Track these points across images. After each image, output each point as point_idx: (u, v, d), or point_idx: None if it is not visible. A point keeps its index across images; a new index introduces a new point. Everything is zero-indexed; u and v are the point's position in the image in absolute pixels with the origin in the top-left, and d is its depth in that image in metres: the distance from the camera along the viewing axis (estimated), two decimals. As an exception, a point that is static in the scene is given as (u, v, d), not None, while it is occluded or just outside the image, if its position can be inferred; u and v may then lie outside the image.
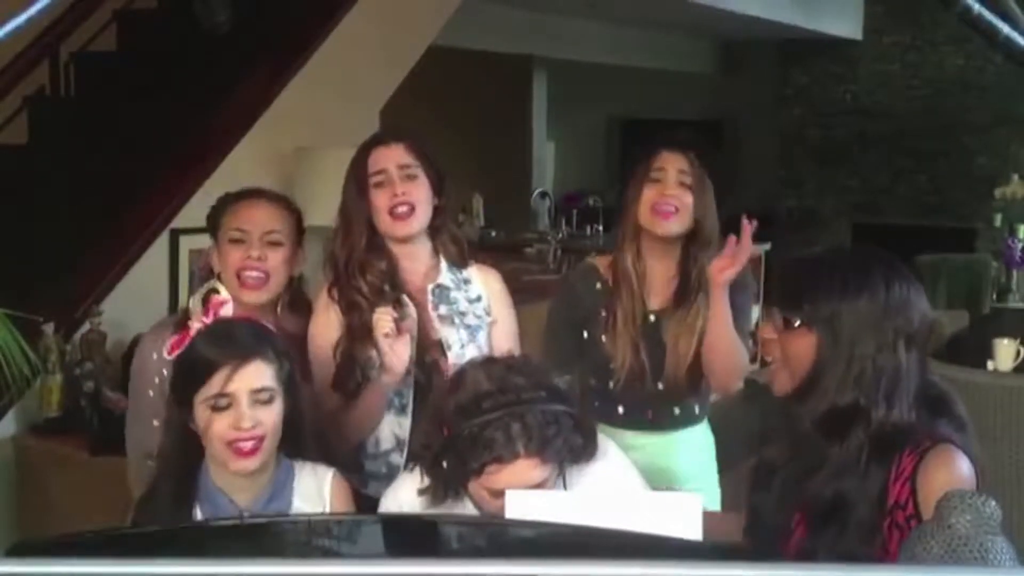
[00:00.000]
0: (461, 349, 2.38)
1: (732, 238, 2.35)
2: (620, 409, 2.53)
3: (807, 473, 1.79)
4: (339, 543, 1.55)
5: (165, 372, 2.19)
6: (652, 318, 2.52)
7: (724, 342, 2.43)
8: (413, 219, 2.37)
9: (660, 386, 2.52)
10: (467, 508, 1.89)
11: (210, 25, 4.17)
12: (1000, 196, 7.16)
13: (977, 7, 5.25)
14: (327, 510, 2.00)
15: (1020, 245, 6.31)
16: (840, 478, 1.74)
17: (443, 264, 2.45)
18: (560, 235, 7.03)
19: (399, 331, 2.24)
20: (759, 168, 9.13)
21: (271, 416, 1.93)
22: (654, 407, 2.55)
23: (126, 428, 2.44)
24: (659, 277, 2.54)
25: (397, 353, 2.24)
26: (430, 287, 2.42)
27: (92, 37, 4.68)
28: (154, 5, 4.94)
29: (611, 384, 2.52)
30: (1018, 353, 4.26)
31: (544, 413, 1.83)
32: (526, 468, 1.81)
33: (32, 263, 3.76)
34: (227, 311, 2.15)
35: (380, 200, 2.36)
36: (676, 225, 2.47)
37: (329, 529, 1.61)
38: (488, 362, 1.98)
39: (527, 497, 1.73)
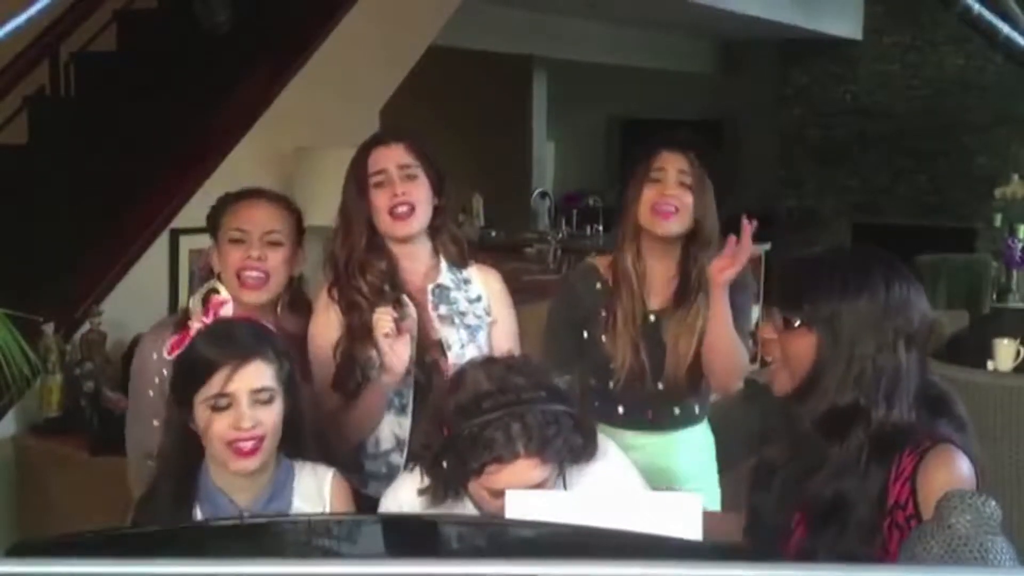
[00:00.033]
0: (461, 349, 2.38)
1: (732, 238, 2.35)
2: (620, 409, 2.54)
3: (807, 473, 1.79)
4: (339, 543, 1.55)
5: (165, 372, 2.19)
6: (652, 318, 2.52)
7: (724, 342, 2.43)
8: (413, 219, 2.37)
9: (660, 386, 2.52)
10: (467, 508, 1.89)
11: (210, 25, 4.17)
12: (1000, 196, 7.16)
13: (977, 7, 5.25)
14: (327, 510, 2.00)
15: (1020, 245, 6.31)
16: (840, 478, 1.74)
17: (443, 264, 2.45)
18: (560, 235, 7.03)
19: (399, 331, 2.24)
20: (759, 168, 9.13)
21: (271, 416, 1.93)
22: (654, 407, 2.55)
23: (126, 428, 2.44)
24: (659, 277, 2.54)
25: (397, 353, 2.24)
26: (430, 287, 2.42)
27: (92, 37, 4.68)
28: (154, 5, 4.94)
29: (611, 384, 2.52)
30: (1018, 353, 4.26)
31: (544, 413, 1.83)
32: (526, 468, 1.81)
33: (32, 263, 3.76)
34: (227, 311, 2.15)
35: (380, 200, 2.36)
36: (676, 225, 2.47)
37: (329, 529, 1.61)
38: (488, 362, 1.98)
39: (527, 497, 1.73)
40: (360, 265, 2.37)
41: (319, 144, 4.11)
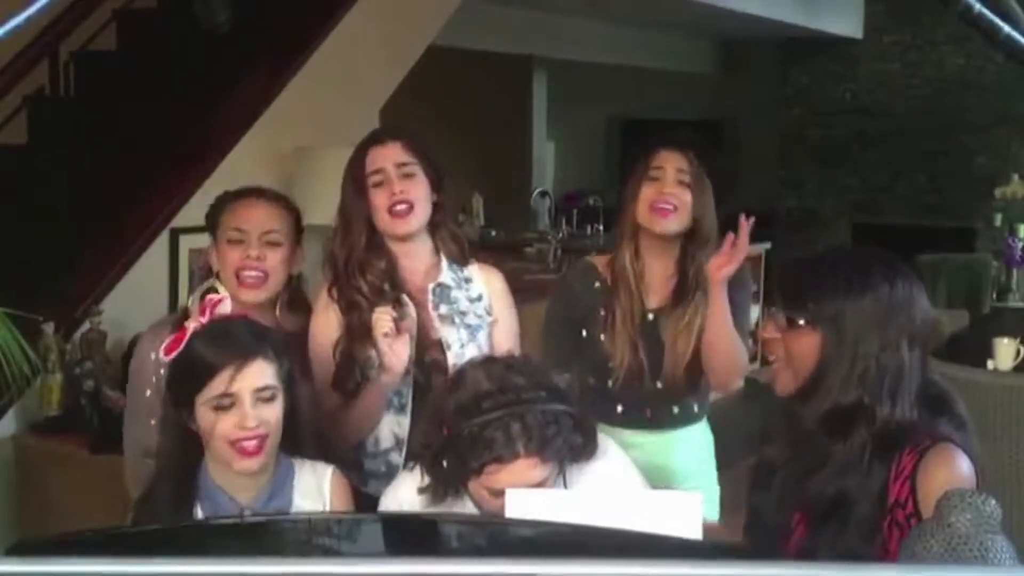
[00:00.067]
0: (461, 349, 2.38)
1: (730, 235, 2.35)
2: (619, 408, 2.53)
3: (808, 472, 1.79)
4: (339, 542, 1.55)
5: (163, 372, 2.19)
6: (650, 317, 2.52)
7: (724, 340, 2.43)
8: (412, 217, 2.37)
9: (658, 385, 2.52)
10: (467, 507, 1.89)
11: (210, 25, 4.17)
12: (1000, 195, 7.16)
13: (977, 6, 5.25)
14: (327, 506, 2.01)
15: (1020, 244, 6.32)
16: (843, 477, 1.75)
17: (444, 262, 2.44)
18: (560, 235, 7.02)
19: (398, 331, 2.24)
20: (759, 168, 9.13)
21: (274, 413, 1.93)
22: (653, 406, 2.55)
23: (124, 426, 2.44)
24: (657, 276, 2.54)
25: (396, 353, 2.24)
26: (431, 286, 2.41)
27: (92, 37, 4.68)
28: (154, 5, 4.94)
29: (610, 383, 2.52)
30: (1018, 352, 4.26)
31: (544, 413, 1.83)
32: (526, 467, 1.81)
33: (32, 263, 3.76)
34: (224, 309, 2.15)
35: (379, 199, 2.36)
36: (674, 223, 2.47)
37: (329, 528, 1.61)
38: (488, 362, 1.98)
39: (527, 496, 1.73)
40: (359, 265, 2.37)
41: (319, 144, 4.10)
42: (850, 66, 9.28)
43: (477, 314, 2.44)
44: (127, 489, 2.34)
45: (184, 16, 4.29)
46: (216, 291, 2.32)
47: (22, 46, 4.25)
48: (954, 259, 7.23)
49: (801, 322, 1.80)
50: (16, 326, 2.90)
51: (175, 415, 1.97)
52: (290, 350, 2.06)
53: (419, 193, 2.37)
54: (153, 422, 2.17)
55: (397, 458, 2.37)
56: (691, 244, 2.50)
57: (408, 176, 2.36)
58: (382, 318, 2.24)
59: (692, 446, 2.62)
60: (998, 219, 7.14)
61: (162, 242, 3.89)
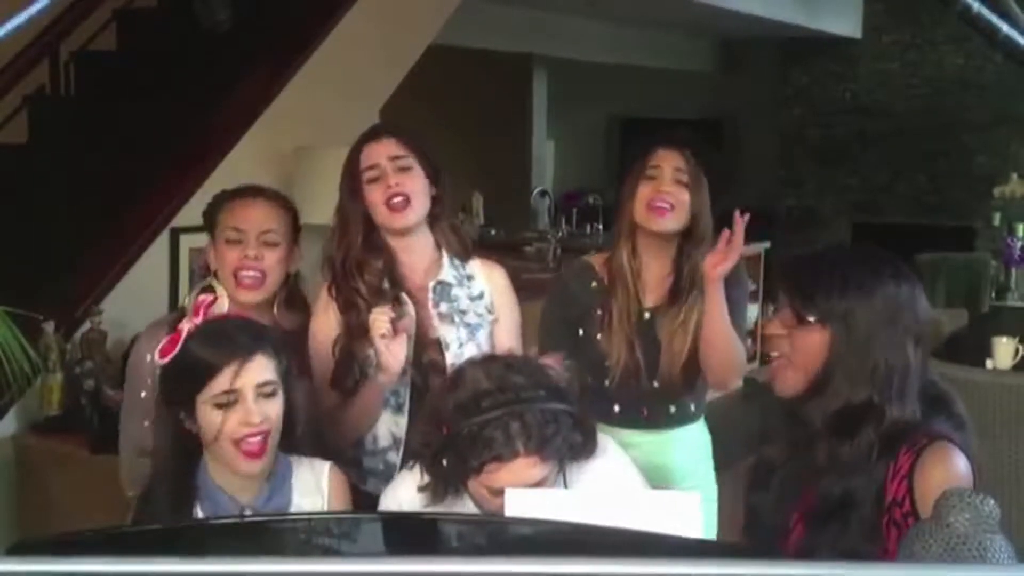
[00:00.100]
0: (459, 348, 2.38)
1: (725, 232, 2.35)
2: (615, 407, 2.53)
3: (811, 473, 1.79)
4: (339, 541, 1.55)
5: (158, 372, 2.19)
6: (647, 316, 2.52)
7: (721, 337, 2.43)
8: (409, 210, 2.35)
9: (655, 384, 2.52)
10: (467, 506, 1.89)
11: (210, 24, 4.18)
12: (999, 195, 7.15)
13: (977, 6, 5.25)
14: (326, 502, 2.01)
15: (1019, 244, 6.32)
16: (850, 476, 1.74)
17: (445, 259, 2.44)
18: (560, 234, 7.02)
19: (396, 331, 2.24)
20: (759, 167, 9.13)
21: (275, 409, 1.94)
22: (649, 405, 2.54)
23: (120, 425, 2.43)
24: (654, 275, 2.54)
25: (393, 353, 2.23)
26: (431, 284, 2.41)
27: (92, 36, 4.68)
28: (154, 4, 4.94)
29: (606, 382, 2.51)
30: (1017, 351, 4.27)
31: (543, 412, 1.84)
32: (525, 467, 1.81)
33: (32, 262, 3.76)
34: (220, 307, 2.15)
35: (375, 195, 2.35)
36: (671, 222, 2.46)
37: (329, 528, 1.61)
38: (487, 360, 1.98)
39: (527, 495, 1.74)
40: (357, 264, 2.37)
41: (319, 143, 4.10)
42: (850, 66, 9.28)
43: (477, 312, 2.43)
44: (123, 488, 2.35)
45: (184, 16, 4.30)
46: (212, 291, 2.32)
47: (22, 46, 4.25)
48: (953, 258, 7.24)
49: (811, 319, 1.79)
50: (16, 325, 2.90)
51: (170, 415, 1.97)
52: (288, 348, 2.06)
53: (416, 186, 2.36)
54: (147, 423, 2.17)
55: (395, 457, 2.37)
56: (687, 243, 2.50)
57: (404, 170, 2.35)
58: (379, 319, 2.23)
59: (689, 445, 2.62)
60: (997, 218, 7.14)
61: (162, 242, 3.89)
